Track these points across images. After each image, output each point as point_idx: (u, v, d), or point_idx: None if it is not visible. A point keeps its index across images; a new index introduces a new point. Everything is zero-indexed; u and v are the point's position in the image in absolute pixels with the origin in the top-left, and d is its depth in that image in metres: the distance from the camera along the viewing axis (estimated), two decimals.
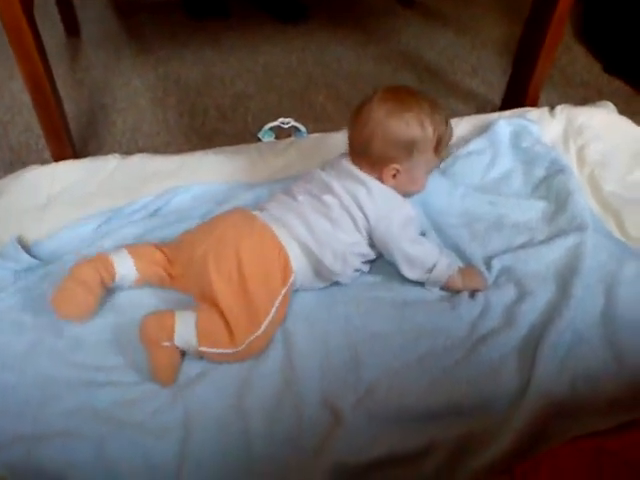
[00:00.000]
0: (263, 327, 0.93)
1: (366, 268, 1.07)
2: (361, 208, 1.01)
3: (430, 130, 1.03)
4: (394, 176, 1.04)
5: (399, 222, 1.02)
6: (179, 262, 1.00)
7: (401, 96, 1.04)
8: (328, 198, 1.02)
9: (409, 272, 1.02)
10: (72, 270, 0.97)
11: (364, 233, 1.03)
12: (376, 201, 1.02)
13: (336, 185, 1.03)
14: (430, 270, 1.01)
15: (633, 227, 1.16)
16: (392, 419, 0.89)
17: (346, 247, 1.01)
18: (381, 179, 1.04)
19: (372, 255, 1.06)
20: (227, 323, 0.92)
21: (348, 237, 1.01)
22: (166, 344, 0.92)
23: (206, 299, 0.95)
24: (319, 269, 1.01)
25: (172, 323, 0.92)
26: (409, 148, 1.02)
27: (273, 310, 0.94)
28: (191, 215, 1.16)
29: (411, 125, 1.01)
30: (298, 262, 1.00)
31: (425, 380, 0.92)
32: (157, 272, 1.01)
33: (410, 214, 1.05)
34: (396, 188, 1.05)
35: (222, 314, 0.93)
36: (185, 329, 0.92)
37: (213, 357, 0.93)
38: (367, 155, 1.03)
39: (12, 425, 0.88)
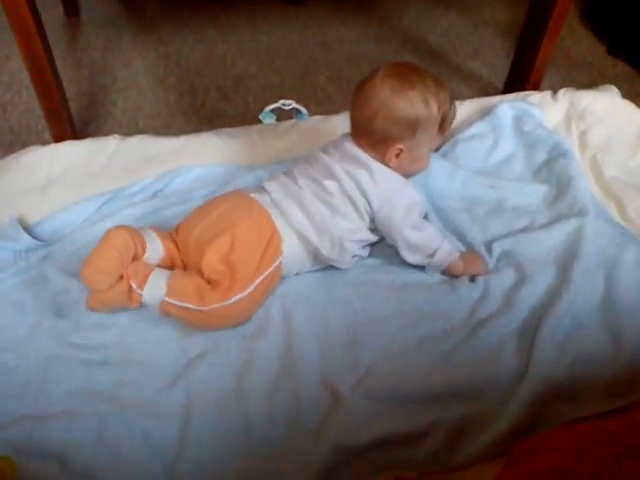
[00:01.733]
0: (233, 299, 0.92)
1: (365, 253, 1.06)
2: (363, 193, 1.00)
3: (434, 108, 1.00)
4: (397, 155, 1.02)
5: (401, 207, 1.01)
6: (183, 246, 1.00)
7: (405, 73, 1.01)
8: (329, 183, 1.01)
9: (410, 257, 1.02)
10: (107, 235, 0.95)
11: (366, 217, 1.02)
12: (379, 186, 1.01)
13: (338, 169, 1.01)
14: (431, 255, 1.01)
15: (634, 212, 1.16)
16: (391, 401, 0.89)
17: (344, 234, 1.00)
18: (384, 159, 1.02)
19: (374, 239, 1.06)
20: (199, 284, 0.92)
21: (348, 223, 1.01)
22: (135, 289, 0.92)
23: None
24: (316, 256, 1.01)
25: (149, 271, 0.93)
26: (413, 127, 1.00)
27: (251, 287, 0.93)
28: (192, 197, 1.16)
29: (415, 103, 0.98)
30: (295, 250, 0.99)
31: (424, 363, 0.93)
32: (175, 256, 1.00)
33: (413, 198, 1.04)
34: (399, 168, 1.04)
35: (199, 276, 0.93)
36: (157, 280, 0.92)
37: (176, 312, 0.92)
38: (369, 134, 1.01)
39: (14, 405, 0.89)
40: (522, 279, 1.01)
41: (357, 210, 1.01)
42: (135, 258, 0.95)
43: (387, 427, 0.86)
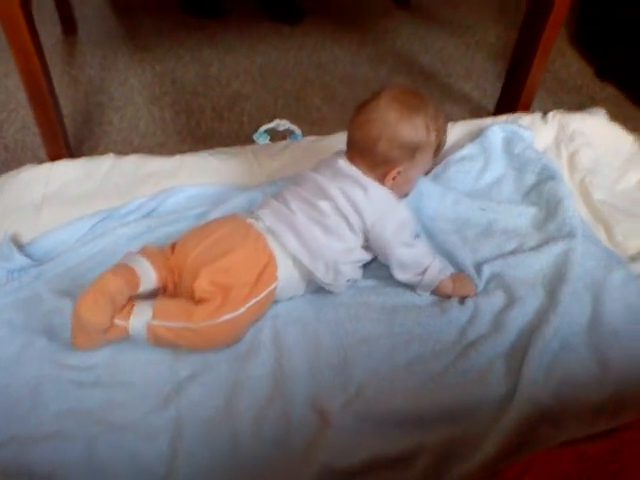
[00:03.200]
0: (223, 319, 0.92)
1: (359, 276, 1.07)
2: (357, 210, 1.01)
3: (434, 135, 1.04)
4: (394, 178, 1.05)
5: (394, 225, 1.02)
6: (176, 267, 1.00)
7: (409, 99, 1.04)
8: (323, 204, 1.02)
9: (401, 274, 1.04)
10: (101, 280, 0.92)
11: (360, 235, 1.03)
12: (373, 203, 1.02)
13: (332, 187, 1.02)
14: (422, 273, 1.02)
15: (622, 235, 1.17)
16: (380, 422, 0.90)
17: (339, 256, 1.01)
18: (381, 180, 1.04)
19: (367, 258, 1.07)
20: (185, 304, 0.93)
21: (342, 243, 1.02)
22: (119, 322, 0.91)
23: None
24: (311, 280, 1.02)
25: (132, 305, 0.93)
26: (413, 151, 1.03)
27: (242, 309, 0.94)
28: (186, 216, 1.17)
29: (418, 129, 1.02)
30: (290, 275, 1.00)
31: (414, 384, 0.93)
32: (167, 279, 1.00)
33: (405, 217, 1.06)
34: (394, 188, 1.06)
35: (190, 298, 0.94)
36: (142, 308, 0.92)
37: (165, 334, 0.92)
38: (370, 155, 1.03)
39: (3, 425, 0.88)
40: (511, 301, 1.02)
41: (351, 228, 1.02)
42: (130, 299, 0.95)
43: (376, 449, 0.86)
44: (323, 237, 1.00)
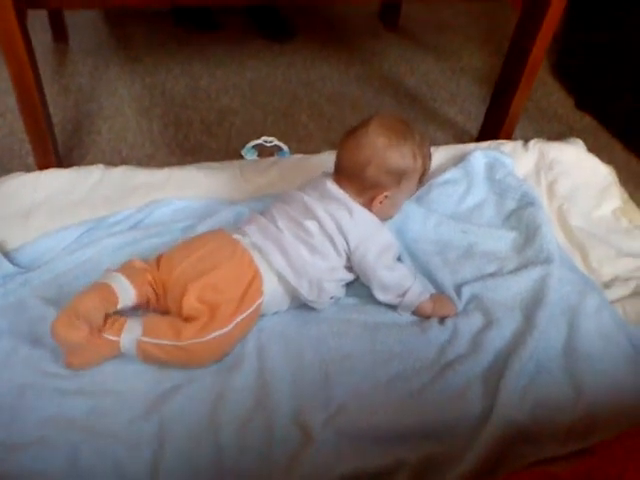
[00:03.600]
0: (211, 336, 0.93)
1: (342, 294, 1.09)
2: (342, 232, 1.04)
3: (420, 162, 1.08)
4: (381, 202, 1.08)
5: (376, 249, 1.05)
6: (160, 281, 1.01)
7: (397, 126, 1.07)
8: (309, 224, 1.04)
9: (382, 296, 1.06)
10: (75, 300, 0.94)
11: (344, 255, 1.06)
12: (358, 226, 1.05)
13: (318, 209, 1.05)
14: (402, 295, 1.05)
15: (596, 261, 1.21)
16: (360, 438, 0.91)
17: (323, 274, 1.03)
18: (368, 204, 1.07)
19: (350, 278, 1.09)
20: (174, 321, 0.95)
21: (326, 262, 1.04)
22: (110, 337, 0.93)
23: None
24: (295, 297, 1.04)
25: (124, 321, 0.95)
26: (399, 177, 1.06)
27: (230, 326, 0.95)
28: (172, 229, 1.18)
29: (406, 156, 1.05)
30: (275, 290, 1.02)
31: (394, 401, 0.95)
32: (148, 294, 1.01)
33: (389, 241, 1.09)
34: (379, 212, 1.09)
35: (177, 315, 0.96)
36: (132, 324, 0.94)
37: (154, 351, 0.93)
38: (358, 180, 1.06)
39: None
40: (489, 323, 1.05)
41: (335, 249, 1.05)
42: (107, 317, 0.95)
43: (356, 464, 0.87)
44: (308, 256, 1.03)
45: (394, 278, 1.06)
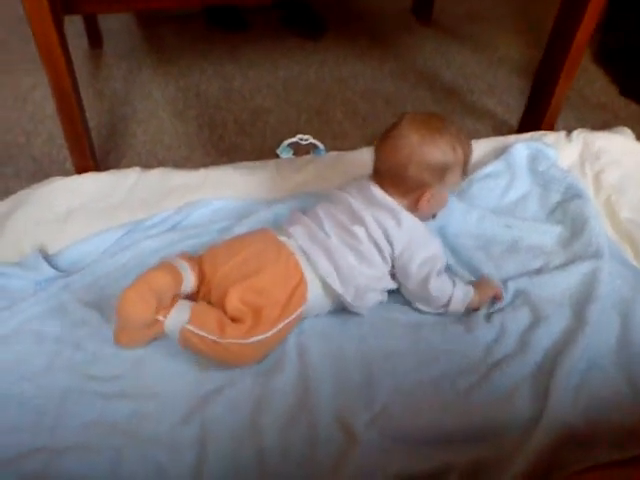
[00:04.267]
0: (253, 339, 0.92)
1: (385, 298, 1.06)
2: (389, 239, 1.01)
3: (460, 153, 1.04)
4: (428, 200, 1.04)
5: (421, 258, 1.02)
6: (204, 279, 1.00)
7: (430, 121, 1.04)
8: (358, 229, 1.01)
9: (424, 307, 1.05)
10: (148, 275, 0.94)
11: (389, 261, 1.03)
12: (404, 234, 1.02)
13: (366, 214, 1.02)
14: (446, 306, 1.03)
15: None
16: (405, 440, 0.89)
17: (369, 282, 1.01)
18: (414, 204, 1.04)
19: (394, 286, 1.06)
20: (222, 317, 0.93)
21: (373, 270, 1.02)
22: (159, 318, 0.93)
23: None
24: (337, 301, 1.02)
25: (174, 302, 0.95)
26: (443, 172, 1.03)
27: (273, 330, 0.94)
28: (210, 230, 1.18)
29: (445, 149, 1.01)
30: (318, 295, 1.00)
31: (439, 402, 0.93)
32: (200, 288, 1.01)
33: (435, 251, 1.05)
34: (425, 211, 1.06)
35: (222, 311, 0.95)
36: (181, 308, 0.94)
37: (195, 341, 0.92)
38: (401, 181, 1.03)
39: (28, 438, 0.88)
40: (537, 320, 1.02)
41: (381, 254, 1.02)
42: (173, 298, 0.96)
43: (402, 467, 0.85)
44: (355, 263, 1.00)
45: (433, 291, 1.02)
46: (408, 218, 1.03)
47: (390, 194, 1.04)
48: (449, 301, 1.02)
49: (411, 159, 1.01)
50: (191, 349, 0.95)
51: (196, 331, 0.92)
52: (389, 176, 1.04)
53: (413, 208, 1.05)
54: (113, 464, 0.86)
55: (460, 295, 1.03)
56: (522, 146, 1.31)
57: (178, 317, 0.93)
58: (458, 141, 1.04)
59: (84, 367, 0.97)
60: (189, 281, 0.98)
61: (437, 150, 1.01)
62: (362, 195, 1.05)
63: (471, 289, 1.05)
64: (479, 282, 1.07)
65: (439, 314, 1.05)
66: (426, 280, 1.02)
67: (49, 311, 1.04)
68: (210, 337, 0.92)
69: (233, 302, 0.94)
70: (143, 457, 0.87)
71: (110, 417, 0.91)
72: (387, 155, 1.04)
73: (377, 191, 1.04)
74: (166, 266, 0.97)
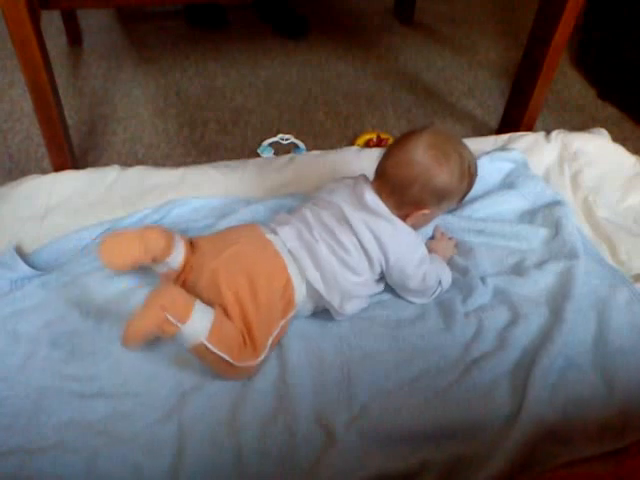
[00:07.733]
0: (259, 360, 0.93)
1: (366, 303, 1.06)
2: (382, 247, 1.01)
3: (465, 184, 1.04)
4: (417, 218, 1.04)
5: (415, 263, 1.03)
6: (190, 269, 0.99)
7: (449, 145, 1.02)
8: (347, 239, 1.00)
9: (419, 300, 1.07)
10: (146, 230, 0.95)
11: (377, 270, 1.03)
12: (399, 242, 1.02)
13: (357, 221, 1.01)
14: (435, 291, 1.06)
15: (625, 254, 1.18)
16: (384, 439, 0.89)
17: (353, 288, 1.01)
18: (405, 218, 1.03)
19: (379, 290, 1.07)
20: (240, 340, 0.92)
21: (357, 277, 1.01)
22: (172, 320, 0.86)
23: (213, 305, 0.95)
24: (319, 304, 1.02)
25: (192, 305, 0.89)
26: (442, 197, 1.03)
27: (270, 341, 0.95)
28: (189, 228, 1.17)
29: (454, 178, 1.01)
30: (303, 300, 1.00)
31: (418, 401, 0.93)
32: (184, 267, 0.99)
33: (424, 252, 1.06)
34: (414, 225, 1.06)
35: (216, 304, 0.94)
36: (201, 318, 0.88)
37: (207, 356, 0.90)
38: (399, 193, 1.01)
39: (3, 437, 0.87)
40: (515, 318, 1.03)
41: (371, 264, 1.02)
42: (154, 260, 0.96)
43: (380, 467, 0.85)
44: (340, 269, 1.00)
45: (430, 282, 1.05)
46: (400, 225, 1.03)
47: (384, 200, 1.02)
48: (440, 283, 1.06)
49: (418, 179, 0.99)
50: (197, 356, 0.92)
51: (213, 350, 0.89)
52: (390, 185, 1.02)
53: (402, 219, 1.03)
54: (89, 464, 0.85)
55: (444, 272, 1.07)
56: (486, 160, 1.28)
57: (196, 330, 0.88)
58: (468, 173, 1.04)
59: (60, 366, 0.96)
60: (178, 255, 0.97)
61: (446, 178, 1.00)
62: (355, 198, 1.03)
63: (436, 258, 1.09)
64: (435, 241, 1.13)
65: (414, 299, 1.07)
66: (424, 276, 1.03)
67: (25, 310, 1.03)
68: (226, 358, 0.89)
69: (229, 298, 0.93)
70: (120, 457, 0.86)
71: (87, 416, 0.90)
72: (396, 166, 1.02)
73: (371, 198, 1.02)
74: (167, 233, 0.97)
